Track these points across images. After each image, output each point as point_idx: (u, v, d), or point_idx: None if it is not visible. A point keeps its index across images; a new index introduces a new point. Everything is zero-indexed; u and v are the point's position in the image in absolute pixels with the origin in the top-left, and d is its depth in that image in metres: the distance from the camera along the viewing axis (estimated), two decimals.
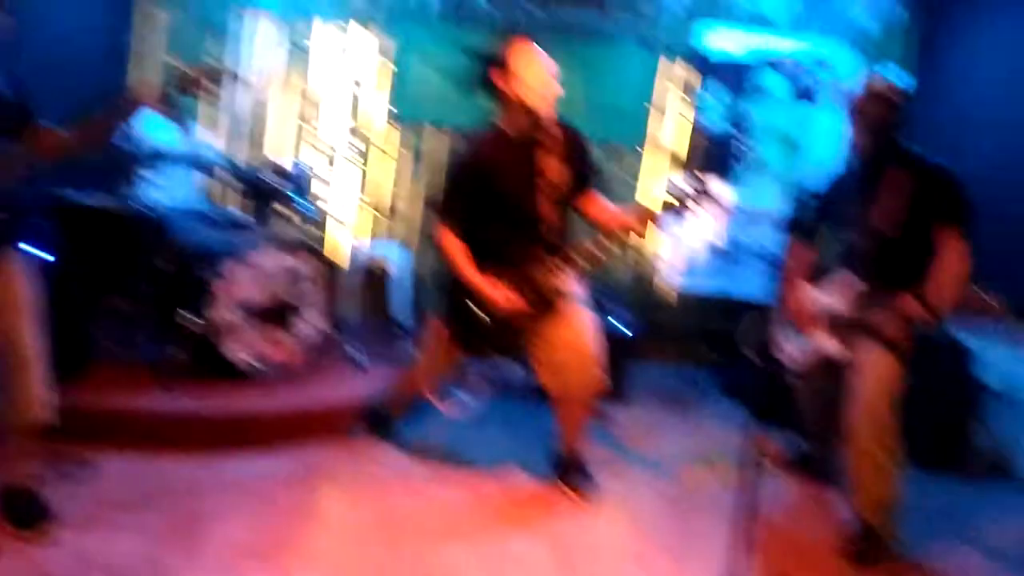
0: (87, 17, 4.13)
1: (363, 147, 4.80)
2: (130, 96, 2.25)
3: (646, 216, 2.68)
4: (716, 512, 2.79)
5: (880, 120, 2.59)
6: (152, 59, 4.67)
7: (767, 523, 2.72)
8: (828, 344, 2.78)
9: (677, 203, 2.62)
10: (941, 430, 3.47)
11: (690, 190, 2.61)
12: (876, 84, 2.63)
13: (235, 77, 2.43)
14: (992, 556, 2.74)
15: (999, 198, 3.54)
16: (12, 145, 2.20)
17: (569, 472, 2.96)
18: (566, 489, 2.92)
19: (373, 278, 4.92)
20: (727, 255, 4.73)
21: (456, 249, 2.83)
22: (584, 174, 2.88)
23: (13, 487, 2.36)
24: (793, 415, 3.18)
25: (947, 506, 3.11)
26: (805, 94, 2.18)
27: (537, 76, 2.68)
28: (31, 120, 2.25)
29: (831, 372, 2.86)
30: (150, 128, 3.94)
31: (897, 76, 2.68)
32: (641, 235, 2.71)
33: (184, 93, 2.36)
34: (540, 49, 2.73)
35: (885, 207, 2.62)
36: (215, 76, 2.38)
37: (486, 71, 2.73)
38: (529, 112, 2.70)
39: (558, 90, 2.73)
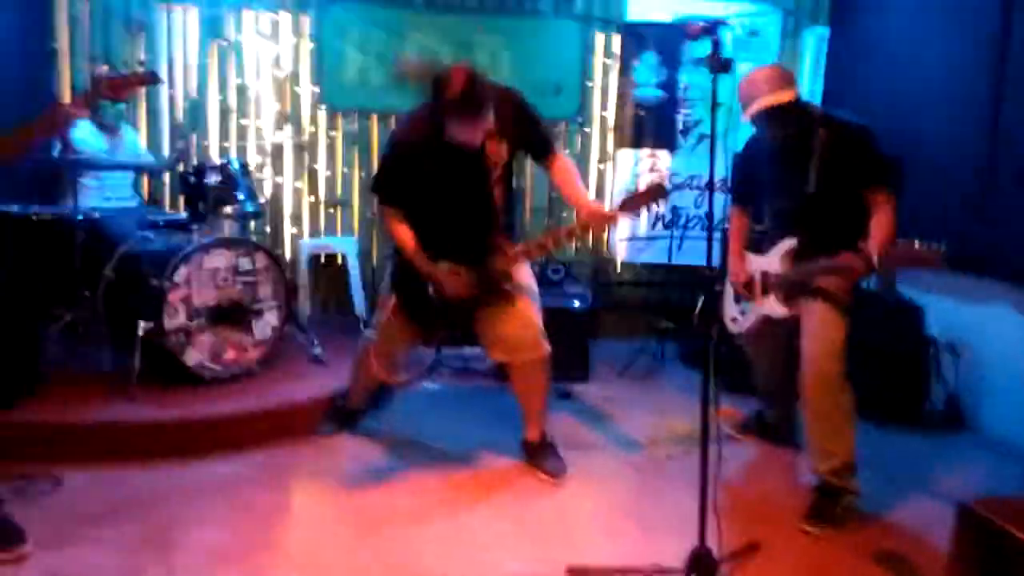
0: (3, 17, 3.96)
1: (299, 137, 4.73)
2: (62, 108, 2.18)
3: (606, 217, 2.73)
4: (682, 481, 2.89)
5: (776, 123, 2.65)
6: (75, 58, 4.51)
7: (732, 489, 2.85)
8: (772, 307, 2.86)
9: (636, 206, 2.66)
10: (896, 386, 3.62)
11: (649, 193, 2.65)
12: (753, 96, 2.62)
13: (160, 79, 2.37)
14: (953, 507, 2.87)
15: (923, 144, 3.71)
16: None
17: (537, 453, 3.01)
18: (535, 470, 2.97)
19: (324, 271, 4.90)
20: (672, 224, 4.81)
21: (401, 231, 2.82)
22: (538, 142, 2.84)
23: None
24: (749, 380, 3.27)
25: (906, 460, 3.22)
26: (723, 66, 2.21)
27: (466, 133, 2.59)
28: None
29: (779, 334, 2.96)
30: (83, 134, 3.84)
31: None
32: (599, 232, 2.73)
33: (113, 99, 2.30)
34: (460, 72, 2.48)
35: (807, 169, 2.69)
36: (143, 80, 2.32)
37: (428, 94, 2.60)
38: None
39: (489, 126, 2.62)
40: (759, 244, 3.00)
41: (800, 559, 2.45)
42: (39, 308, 3.52)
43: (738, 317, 3.06)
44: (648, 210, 2.70)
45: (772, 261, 2.87)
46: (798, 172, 2.73)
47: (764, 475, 3.09)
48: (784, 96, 2.60)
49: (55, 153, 3.71)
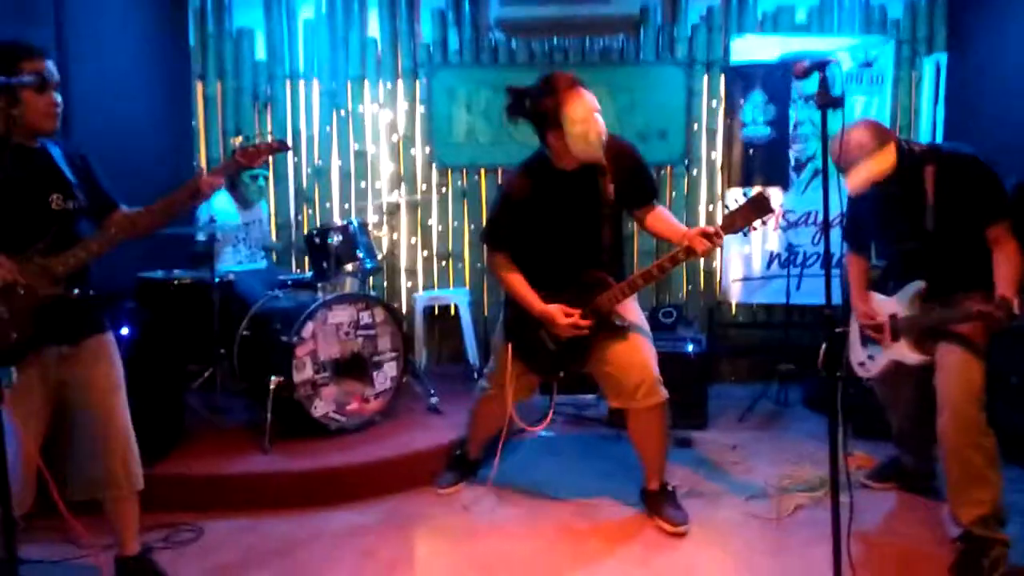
0: (155, 99, 4.38)
1: (412, 196, 4.93)
2: (202, 178, 2.37)
3: (708, 235, 2.60)
4: (812, 532, 2.76)
5: (879, 183, 2.55)
6: (211, 134, 4.92)
7: (867, 541, 2.69)
8: (904, 352, 2.72)
9: (737, 223, 2.58)
10: None
11: (748, 207, 2.56)
12: (849, 164, 2.55)
13: (288, 147, 2.55)
14: None
15: None
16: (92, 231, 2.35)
17: (657, 503, 2.94)
18: (657, 520, 2.90)
19: (438, 322, 5.04)
20: (789, 262, 4.67)
21: (512, 274, 2.87)
22: (641, 190, 2.87)
23: (128, 556, 2.48)
24: (881, 424, 3.10)
25: None
26: (833, 102, 2.15)
27: (582, 124, 2.61)
28: (111, 204, 2.41)
29: (912, 379, 2.80)
30: (220, 204, 4.15)
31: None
32: (703, 254, 2.67)
33: (247, 167, 2.49)
34: (580, 91, 2.63)
35: (922, 207, 2.58)
36: (272, 148, 2.51)
37: (530, 108, 2.69)
38: (581, 158, 2.69)
39: (603, 131, 2.66)
40: (882, 284, 2.87)
41: None
42: (180, 366, 3.80)
43: (866, 362, 2.92)
44: (752, 227, 2.56)
45: (901, 304, 2.73)
46: (913, 211, 2.62)
47: (902, 526, 2.88)
48: (886, 161, 2.53)
49: (200, 227, 4.01)
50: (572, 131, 2.61)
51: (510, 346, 2.97)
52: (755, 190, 4.71)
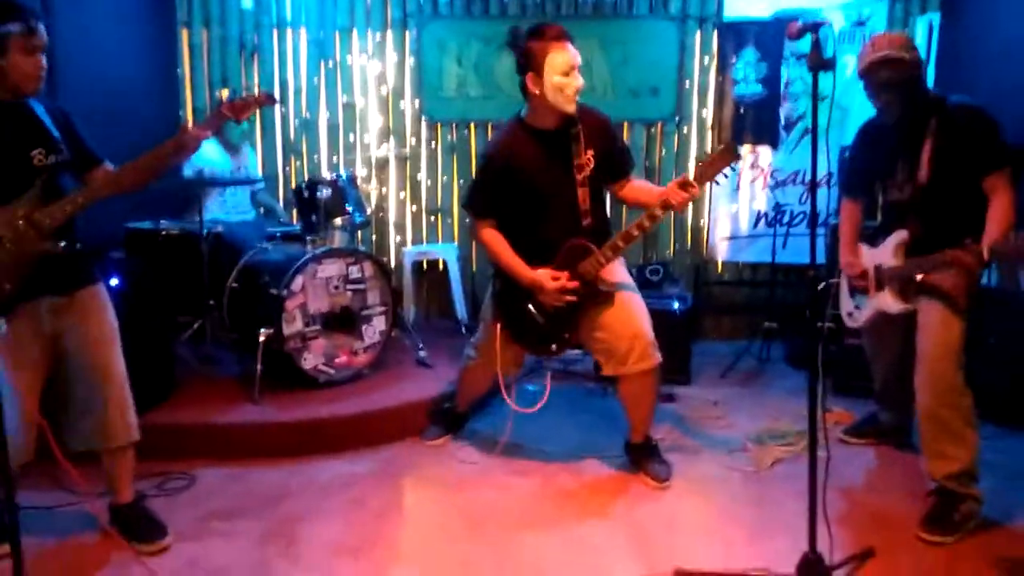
0: (140, 49, 4.31)
1: (400, 150, 4.90)
2: (188, 132, 2.35)
3: (683, 185, 2.61)
4: (791, 486, 2.84)
5: (890, 81, 2.55)
6: (197, 82, 4.85)
7: (846, 494, 2.78)
8: (887, 302, 2.76)
9: (708, 172, 2.59)
10: (1017, 385, 3.42)
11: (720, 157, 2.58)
12: (873, 50, 2.56)
13: (276, 100, 2.52)
14: None
15: None
16: (76, 185, 2.35)
17: (641, 456, 3.01)
18: (640, 474, 2.97)
19: (426, 276, 5.06)
20: (776, 221, 4.71)
21: (497, 242, 2.88)
22: (617, 160, 2.88)
23: (122, 504, 2.53)
24: (861, 381, 3.17)
25: None
26: (825, 64, 2.16)
27: (561, 75, 2.63)
28: (94, 159, 2.39)
29: (897, 330, 2.85)
30: (208, 152, 4.12)
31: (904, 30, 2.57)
32: (680, 207, 2.68)
33: (235, 120, 2.47)
34: (566, 44, 2.66)
35: (922, 158, 2.60)
36: (260, 101, 2.48)
37: (519, 46, 2.70)
38: (554, 110, 2.71)
39: (581, 84, 2.69)
40: (872, 237, 2.90)
41: (917, 567, 2.36)
42: (170, 317, 3.81)
43: (854, 312, 2.97)
44: (724, 176, 2.59)
45: (885, 254, 2.77)
46: (911, 161, 2.64)
47: (879, 480, 2.98)
48: (904, 54, 2.52)
49: (184, 172, 3.99)
50: (549, 80, 2.65)
51: (499, 323, 2.97)
52: (745, 148, 4.74)
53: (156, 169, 2.37)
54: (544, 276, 2.78)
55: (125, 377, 2.43)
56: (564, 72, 2.64)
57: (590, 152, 2.78)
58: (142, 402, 2.94)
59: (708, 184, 2.73)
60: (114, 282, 3.44)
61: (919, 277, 2.61)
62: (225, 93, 2.27)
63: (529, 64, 2.68)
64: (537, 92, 2.69)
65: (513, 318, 2.94)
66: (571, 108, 2.70)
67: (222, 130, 4.20)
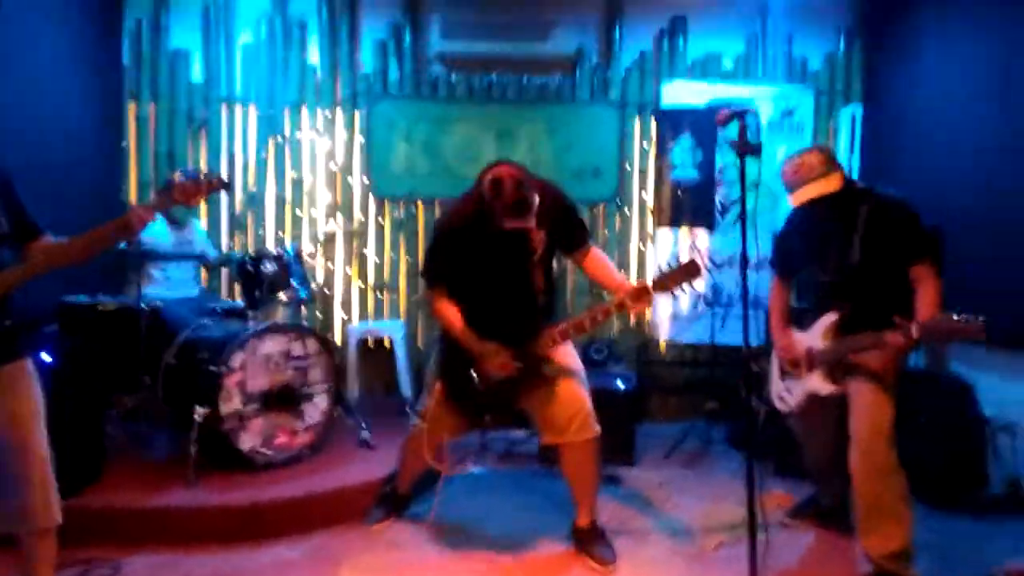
0: (84, 120, 4.28)
1: (348, 225, 4.92)
2: (136, 214, 2.32)
3: (640, 292, 2.70)
4: (734, 569, 2.84)
5: (823, 203, 2.69)
6: (142, 155, 4.83)
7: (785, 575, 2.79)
8: (818, 384, 2.85)
9: (668, 284, 2.68)
10: (951, 466, 3.52)
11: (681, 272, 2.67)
12: (796, 179, 2.71)
13: (230, 186, 2.51)
14: None
15: (960, 217, 3.69)
16: (15, 257, 2.29)
17: (587, 540, 2.99)
18: (585, 558, 2.95)
19: (371, 354, 5.01)
20: (714, 302, 4.84)
21: (449, 312, 2.91)
22: (570, 234, 2.94)
23: None
24: (802, 462, 3.23)
25: (963, 543, 3.12)
26: (751, 150, 2.28)
27: (510, 211, 2.64)
28: (34, 230, 2.34)
29: (828, 412, 2.92)
30: (151, 226, 4.05)
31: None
32: (634, 312, 2.75)
33: (184, 205, 2.45)
34: (511, 179, 2.63)
35: (850, 242, 2.74)
36: (213, 186, 2.47)
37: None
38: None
39: (534, 207, 2.67)
40: (801, 320, 3.01)
41: None
42: (104, 395, 3.68)
43: (784, 395, 3.05)
44: (683, 291, 2.68)
45: (815, 336, 2.87)
46: (841, 246, 2.77)
47: (819, 563, 3.00)
48: (832, 184, 2.66)
49: (122, 246, 3.91)
50: (498, 211, 2.66)
51: (441, 385, 2.99)
52: (683, 231, 4.89)
53: (97, 248, 2.33)
54: (492, 348, 2.82)
55: (48, 457, 2.32)
56: (515, 225, 2.67)
57: (541, 232, 2.83)
58: (70, 484, 2.82)
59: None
60: (46, 357, 3.32)
61: (850, 358, 2.71)
62: (177, 175, 2.23)
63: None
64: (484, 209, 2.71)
65: (455, 380, 2.96)
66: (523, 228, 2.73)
67: (171, 215, 4.15)
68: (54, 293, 3.74)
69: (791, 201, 2.76)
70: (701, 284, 2.75)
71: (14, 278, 2.19)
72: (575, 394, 2.87)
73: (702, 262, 2.73)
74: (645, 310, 4.93)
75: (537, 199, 2.68)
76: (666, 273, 2.69)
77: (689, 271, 2.66)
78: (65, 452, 2.43)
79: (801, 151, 2.77)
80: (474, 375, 2.91)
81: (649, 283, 2.70)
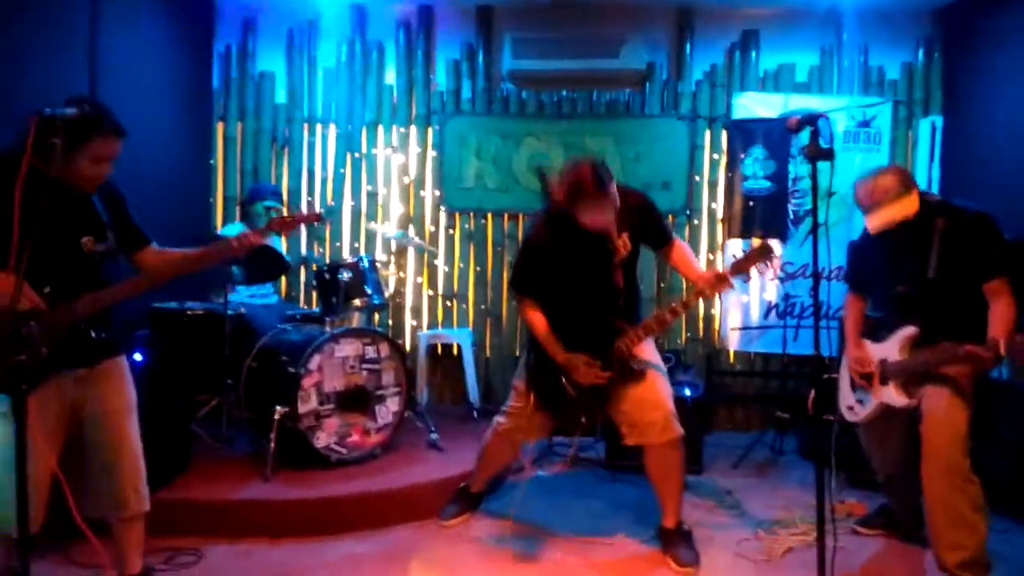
0: (176, 140, 4.57)
1: (421, 237, 5.07)
2: (247, 239, 2.53)
3: (719, 278, 2.74)
4: (802, 575, 2.80)
5: (901, 224, 2.67)
6: (228, 172, 5.11)
7: None
8: (892, 396, 2.79)
9: (744, 267, 2.71)
10: None
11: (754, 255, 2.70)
12: (871, 202, 2.69)
13: (325, 219, 2.74)
14: None
15: None
16: (126, 265, 2.48)
17: (672, 541, 3.00)
18: (667, 558, 2.95)
19: (440, 361, 5.12)
20: (786, 313, 4.77)
21: (537, 320, 3.01)
22: (654, 235, 3.02)
23: (130, 575, 2.54)
24: (873, 472, 3.16)
25: None
26: (822, 155, 2.28)
27: (591, 225, 2.77)
28: (143, 239, 2.54)
29: (897, 423, 2.87)
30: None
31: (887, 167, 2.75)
32: (712, 296, 2.79)
33: (281, 235, 2.63)
34: (595, 204, 2.73)
35: (927, 255, 2.70)
36: (309, 219, 2.68)
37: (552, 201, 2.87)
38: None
39: (610, 223, 2.82)
40: (875, 332, 2.96)
41: None
42: (189, 395, 3.89)
43: (855, 406, 2.99)
44: (759, 272, 2.70)
45: (891, 349, 2.82)
46: (917, 259, 2.73)
47: (890, 570, 2.92)
48: (909, 207, 2.65)
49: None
50: (583, 218, 2.78)
51: (531, 391, 3.07)
52: (754, 241, 4.85)
53: (205, 265, 2.59)
54: (579, 361, 2.90)
55: (140, 448, 2.49)
56: (592, 222, 2.77)
57: (624, 235, 2.91)
58: (157, 477, 2.99)
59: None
60: (138, 357, 3.55)
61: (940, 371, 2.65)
62: (278, 213, 2.47)
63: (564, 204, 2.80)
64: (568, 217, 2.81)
65: (545, 389, 3.04)
66: (604, 228, 2.83)
67: (250, 214, 4.39)
68: (146, 298, 3.98)
69: (867, 224, 2.73)
70: (776, 264, 2.72)
71: (120, 294, 2.38)
72: (659, 395, 2.91)
73: (776, 269, 2.74)
74: (713, 300, 4.93)
75: (616, 195, 2.77)
76: (740, 258, 2.72)
77: (763, 252, 2.68)
78: (155, 446, 2.59)
79: (875, 172, 2.73)
80: (565, 383, 2.98)
81: (726, 269, 2.75)
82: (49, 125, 1.98)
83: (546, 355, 2.99)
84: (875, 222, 2.69)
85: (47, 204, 1.95)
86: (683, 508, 3.08)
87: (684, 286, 4.94)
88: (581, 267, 2.93)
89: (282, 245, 4.86)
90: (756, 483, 3.94)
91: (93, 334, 2.35)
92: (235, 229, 4.30)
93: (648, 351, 3.01)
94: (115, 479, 2.43)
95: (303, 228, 5.11)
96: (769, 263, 2.68)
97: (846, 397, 3.03)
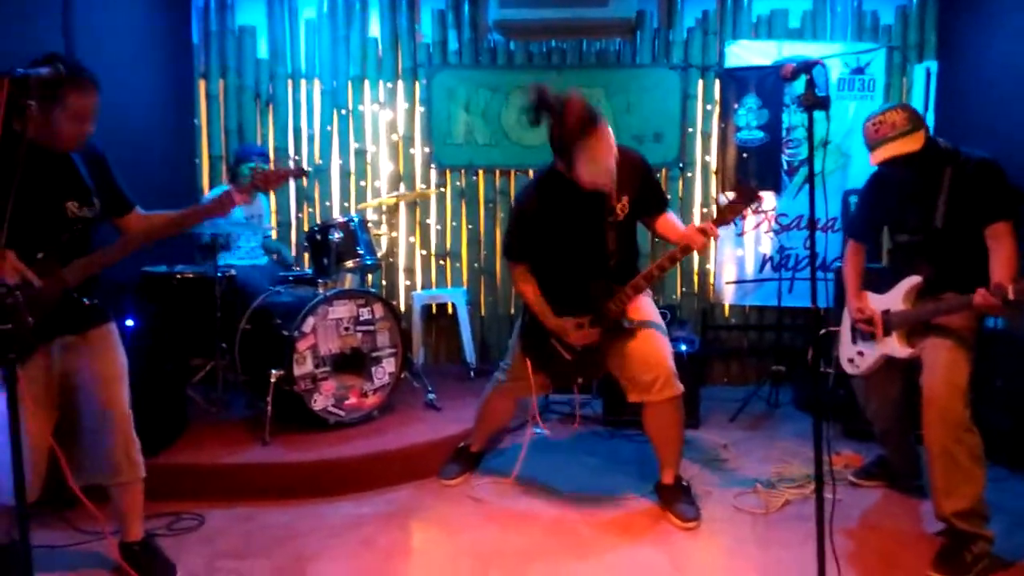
0: (158, 98, 4.45)
1: (410, 194, 5.00)
2: (230, 197, 2.50)
3: (700, 230, 2.70)
4: (800, 527, 2.84)
5: (906, 163, 2.61)
6: (212, 131, 4.99)
7: (855, 535, 2.77)
8: (895, 347, 2.79)
9: (728, 215, 2.67)
10: None
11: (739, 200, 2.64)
12: (877, 136, 2.64)
13: (308, 172, 2.66)
14: None
15: None
16: (109, 231, 2.42)
17: (671, 497, 3.02)
18: (668, 513, 2.97)
19: (435, 320, 5.10)
20: (781, 265, 4.76)
21: (528, 286, 3.00)
22: (651, 200, 2.97)
23: (133, 542, 2.54)
24: (868, 423, 3.18)
25: None
26: (818, 103, 2.23)
27: (594, 167, 2.68)
28: (127, 204, 2.47)
29: (895, 374, 2.88)
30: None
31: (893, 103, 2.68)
32: (700, 249, 2.75)
33: (266, 191, 2.57)
34: (600, 132, 2.65)
35: (934, 204, 2.66)
36: (293, 174, 2.63)
37: (548, 132, 2.75)
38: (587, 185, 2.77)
39: (612, 169, 2.73)
40: (877, 283, 2.94)
41: None
42: (183, 359, 3.86)
43: (855, 358, 2.98)
44: (744, 216, 2.66)
45: (895, 299, 2.80)
46: (924, 207, 2.70)
47: (888, 521, 2.95)
48: (913, 143, 2.58)
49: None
50: (582, 168, 2.70)
51: (527, 357, 3.07)
52: (731, 193, 4.80)
53: (189, 225, 2.55)
54: (568, 324, 2.90)
55: (129, 414, 2.46)
56: (596, 161, 2.68)
57: (624, 199, 2.87)
58: (154, 443, 2.97)
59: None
60: (129, 323, 3.51)
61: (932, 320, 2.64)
62: (260, 167, 2.43)
63: (560, 150, 2.73)
64: (568, 170, 2.75)
65: (540, 353, 3.05)
66: (605, 186, 2.77)
67: (236, 176, 4.30)
68: (135, 262, 3.92)
69: (871, 159, 2.68)
70: (758, 207, 2.68)
71: (109, 258, 2.33)
72: (658, 353, 2.90)
73: (769, 219, 2.69)
74: (707, 254, 4.96)
75: (612, 135, 2.71)
76: (724, 206, 2.67)
77: (747, 196, 2.62)
78: (148, 413, 2.57)
79: (884, 108, 2.68)
80: (557, 346, 2.98)
81: (711, 220, 2.71)
82: (21, 86, 1.90)
83: (539, 323, 2.99)
84: (878, 156, 2.64)
85: (26, 168, 1.88)
86: (681, 463, 3.09)
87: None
88: (573, 229, 2.89)
89: (270, 204, 4.78)
90: (753, 436, 3.97)
91: (86, 301, 2.30)
92: (222, 191, 4.21)
93: (647, 309, 2.99)
94: (107, 446, 2.40)
95: (291, 186, 5.03)
96: (757, 205, 2.64)
97: (847, 349, 3.02)
